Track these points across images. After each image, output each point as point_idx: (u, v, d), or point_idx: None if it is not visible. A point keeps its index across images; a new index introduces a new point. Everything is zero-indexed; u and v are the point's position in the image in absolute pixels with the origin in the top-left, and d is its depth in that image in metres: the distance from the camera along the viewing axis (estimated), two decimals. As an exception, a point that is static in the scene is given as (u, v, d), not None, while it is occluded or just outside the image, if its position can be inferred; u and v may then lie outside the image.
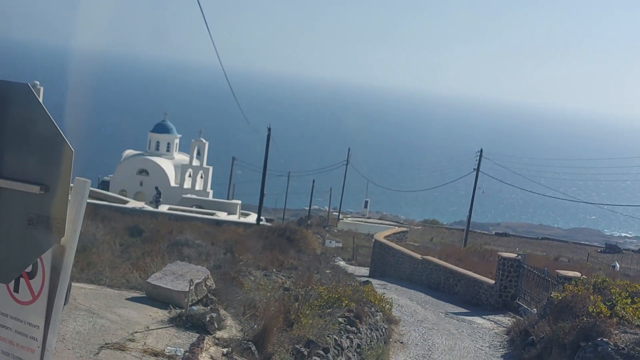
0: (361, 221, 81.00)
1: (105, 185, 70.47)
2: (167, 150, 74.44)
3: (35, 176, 3.68)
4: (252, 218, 58.08)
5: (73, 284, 11.19)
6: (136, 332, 9.76)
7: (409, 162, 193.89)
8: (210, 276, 12.40)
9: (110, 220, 30.70)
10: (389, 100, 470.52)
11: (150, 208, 54.27)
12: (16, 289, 4.78)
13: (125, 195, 63.75)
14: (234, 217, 57.17)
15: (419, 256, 33.07)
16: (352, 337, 14.52)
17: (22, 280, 4.71)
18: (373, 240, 43.12)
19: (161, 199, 57.62)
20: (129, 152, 75.04)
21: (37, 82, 41.95)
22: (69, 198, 3.88)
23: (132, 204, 55.59)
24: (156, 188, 61.59)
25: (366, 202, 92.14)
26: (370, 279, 29.72)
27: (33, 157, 3.70)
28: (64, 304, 4.80)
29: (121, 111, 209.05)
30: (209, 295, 12.08)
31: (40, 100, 3.72)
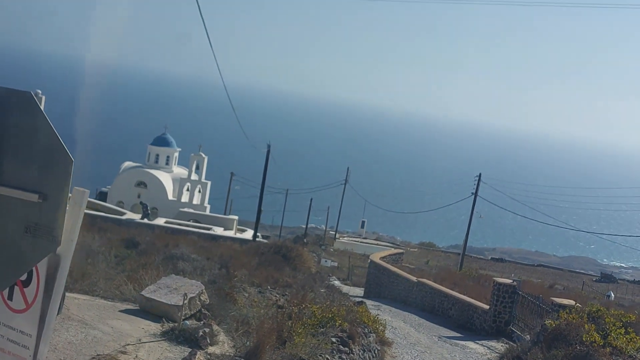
0: (357, 241, 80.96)
1: (103, 196, 70.39)
2: (166, 164, 74.45)
3: (34, 184, 3.68)
4: (248, 234, 58.02)
5: (67, 294, 11.18)
6: (128, 344, 9.73)
7: (407, 184, 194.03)
8: (204, 291, 12.38)
9: (107, 231, 30.69)
10: (389, 121, 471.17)
11: (147, 220, 54.22)
12: (10, 297, 4.77)
13: (123, 207, 63.71)
14: (230, 233, 57.11)
15: (414, 278, 33.01)
16: (344, 357, 14.45)
17: (16, 288, 4.70)
18: (369, 260, 43.04)
19: (150, 213, 57.31)
20: (128, 164, 75.04)
21: (39, 91, 41.96)
22: (67, 207, 3.88)
23: (129, 216, 55.54)
24: (141, 202, 61.19)
25: (363, 222, 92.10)
26: (364, 300, 29.64)
27: (33, 165, 3.70)
28: (57, 314, 4.79)
29: (123, 123, 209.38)
30: (202, 310, 12.06)
31: (42, 109, 3.73)
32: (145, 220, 53.61)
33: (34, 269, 4.49)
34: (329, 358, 13.37)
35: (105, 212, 54.75)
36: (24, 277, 4.48)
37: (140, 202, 61.31)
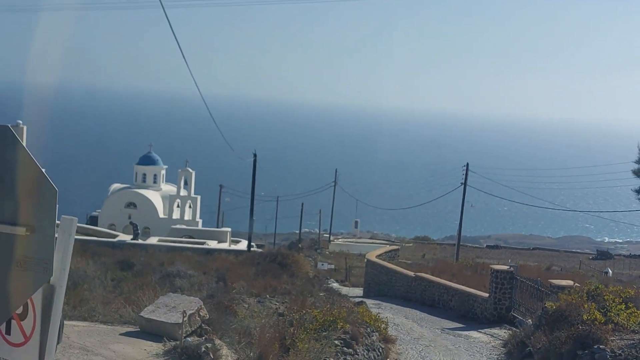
0: (352, 242, 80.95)
1: (93, 220, 70.10)
2: (154, 182, 74.21)
3: (21, 217, 3.67)
4: (242, 245, 57.94)
5: (65, 322, 11.12)
6: (131, 367, 9.70)
7: (397, 180, 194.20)
8: (203, 306, 12.35)
9: (101, 255, 30.57)
10: (373, 119, 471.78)
11: (141, 241, 54.07)
12: (8, 331, 4.75)
13: (115, 230, 63.50)
14: (224, 245, 57.00)
15: (411, 273, 33.04)
16: (349, 359, 14.47)
17: (13, 322, 4.68)
18: (365, 260, 43.06)
19: (140, 233, 57.06)
20: (116, 185, 74.78)
21: (20, 122, 41.80)
22: (56, 237, 3.87)
23: (122, 237, 55.38)
24: (131, 223, 60.92)
25: (356, 222, 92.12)
26: (364, 299, 29.65)
27: (17, 199, 3.69)
28: (57, 343, 4.77)
29: (108, 145, 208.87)
30: (203, 325, 12.03)
31: (24, 139, 3.72)
32: (137, 241, 53.45)
33: (29, 301, 4.47)
34: (333, 361, 13.37)
35: (97, 236, 54.57)
36: (19, 310, 4.46)
37: (130, 223, 61.06)
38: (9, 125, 3.97)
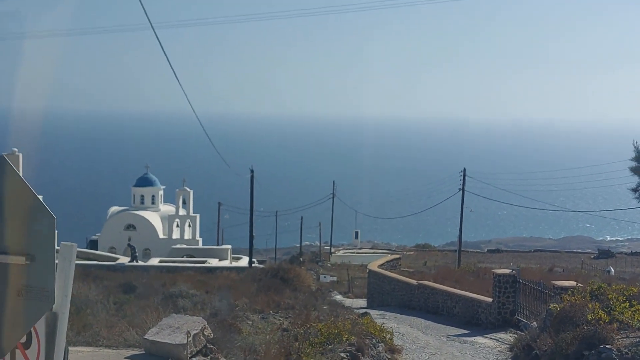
0: (353, 253, 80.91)
1: (94, 244, 70.03)
2: (152, 203, 74.19)
3: (20, 246, 3.67)
4: (244, 261, 57.89)
5: (70, 348, 11.09)
6: (138, 390, 9.67)
7: (395, 189, 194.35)
8: (207, 325, 12.32)
9: (102, 279, 30.52)
10: (366, 130, 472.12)
11: (141, 263, 54.01)
12: (12, 361, 4.74)
13: (115, 253, 63.43)
14: (225, 263, 56.95)
15: (414, 282, 33.00)
16: (355, 371, 14.41)
17: (17, 351, 4.67)
18: (367, 270, 43.00)
19: (137, 255, 56.81)
20: (114, 208, 74.73)
21: (15, 149, 41.81)
22: (56, 264, 3.87)
23: (122, 260, 55.31)
24: (129, 245, 60.63)
25: (356, 232, 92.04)
26: (368, 310, 29.60)
27: (15, 228, 3.69)
28: (62, 371, 4.76)
29: (102, 169, 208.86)
30: (207, 345, 11.99)
31: (20, 167, 3.73)
32: (136, 262, 53.35)
33: (32, 330, 4.47)
34: (340, 374, 13.33)
35: (98, 260, 54.50)
36: (23, 339, 4.45)
37: (128, 245, 60.83)
38: (4, 155, 3.96)
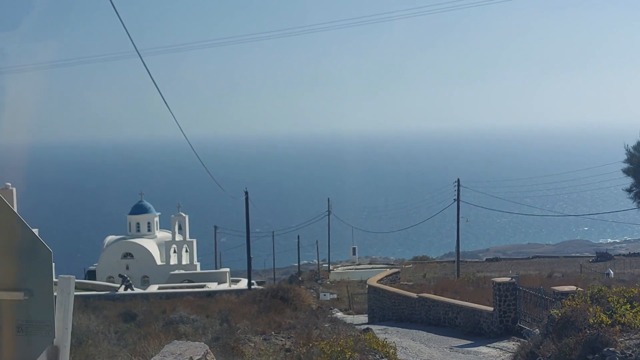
0: (352, 269, 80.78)
1: (92, 274, 69.86)
2: (149, 230, 74.12)
3: (18, 282, 3.67)
4: (243, 283, 57.75)
5: (73, 380, 11.03)
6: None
7: (390, 202, 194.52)
8: (209, 350, 12.27)
9: (102, 309, 30.41)
10: (355, 145, 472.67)
11: (140, 290, 53.83)
12: (15, 398, 4.72)
13: (113, 282, 63.20)
14: (225, 286, 56.80)
15: (414, 295, 32.95)
16: (360, 387, 14.37)
17: (19, 387, 4.66)
18: (367, 286, 42.92)
19: (131, 284, 56.15)
20: (110, 237, 74.59)
21: (9, 184, 41.72)
22: (55, 297, 3.86)
23: (121, 290, 55.09)
24: (120, 275, 59.90)
25: (354, 249, 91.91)
26: (370, 326, 29.52)
27: (12, 264, 3.69)
28: (66, 405, 4.73)
29: (98, 199, 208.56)
30: (211, 369, 11.94)
31: (14, 201, 3.73)
32: (131, 291, 53.05)
33: (34, 365, 4.45)
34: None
35: (97, 290, 54.30)
36: (25, 375, 4.43)
37: (120, 275, 60.09)
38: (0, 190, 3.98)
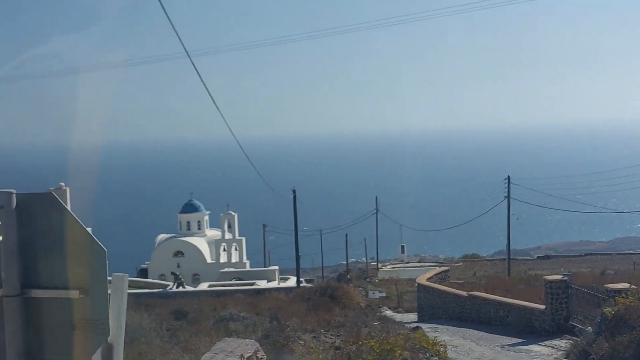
0: (401, 267, 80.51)
1: (144, 272, 70.82)
2: (199, 229, 74.89)
3: (73, 281, 3.74)
4: (292, 281, 57.96)
5: (126, 377, 11.19)
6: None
7: (439, 200, 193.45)
8: (260, 348, 12.35)
9: (154, 307, 30.75)
10: (407, 143, 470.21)
11: (191, 288, 54.36)
12: (70, 395, 4.81)
13: (165, 280, 63.96)
14: (274, 284, 57.09)
15: (464, 293, 32.72)
16: (411, 386, 14.32)
17: (75, 384, 4.74)
18: (416, 284, 42.73)
19: (183, 281, 56.75)
20: (162, 236, 75.55)
21: (62, 184, 42.39)
22: (109, 295, 3.93)
23: (174, 287, 55.71)
24: (172, 273, 60.80)
25: (402, 247, 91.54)
26: (419, 324, 29.40)
27: (68, 263, 3.76)
28: (120, 401, 4.81)
29: (149, 198, 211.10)
30: (261, 367, 12.01)
31: (68, 201, 3.81)
32: (183, 289, 53.63)
33: (89, 362, 4.53)
34: (396, 390, 13.25)
35: (148, 288, 54.98)
36: (80, 372, 4.52)
37: (172, 273, 61.05)
38: (52, 191, 4.05)
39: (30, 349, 3.84)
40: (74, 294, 3.71)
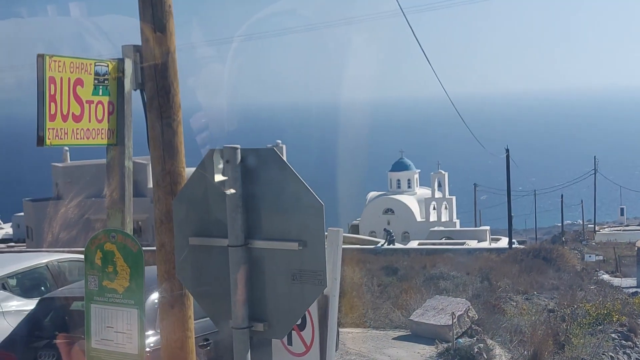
0: (620, 230, 76.89)
1: (355, 229, 72.29)
2: (409, 187, 75.27)
3: (292, 233, 3.88)
4: (503, 242, 56.92)
5: (340, 329, 11.55)
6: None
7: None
8: (471, 307, 12.32)
9: (365, 262, 31.35)
10: (631, 100, 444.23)
11: (401, 246, 54.84)
12: (289, 342, 5.04)
13: (375, 236, 64.96)
14: (484, 244, 56.34)
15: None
16: (629, 352, 13.76)
17: (294, 333, 4.96)
18: (636, 248, 40.71)
19: (394, 239, 56.97)
20: (372, 194, 76.70)
21: (279, 141, 44.05)
22: (325, 249, 4.04)
23: (385, 244, 56.43)
24: (384, 230, 61.17)
25: (622, 209, 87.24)
26: (639, 290, 28.04)
27: (287, 216, 3.91)
28: (335, 350, 4.98)
29: (356, 155, 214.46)
30: (472, 326, 11.99)
31: (285, 159, 3.94)
32: (393, 246, 54.07)
33: (306, 312, 4.72)
34: (612, 355, 12.79)
35: (359, 244, 56.06)
36: (299, 322, 4.71)
37: (384, 230, 61.68)
38: (274, 147, 4.22)
39: (252, 296, 4.05)
40: (293, 245, 3.85)
